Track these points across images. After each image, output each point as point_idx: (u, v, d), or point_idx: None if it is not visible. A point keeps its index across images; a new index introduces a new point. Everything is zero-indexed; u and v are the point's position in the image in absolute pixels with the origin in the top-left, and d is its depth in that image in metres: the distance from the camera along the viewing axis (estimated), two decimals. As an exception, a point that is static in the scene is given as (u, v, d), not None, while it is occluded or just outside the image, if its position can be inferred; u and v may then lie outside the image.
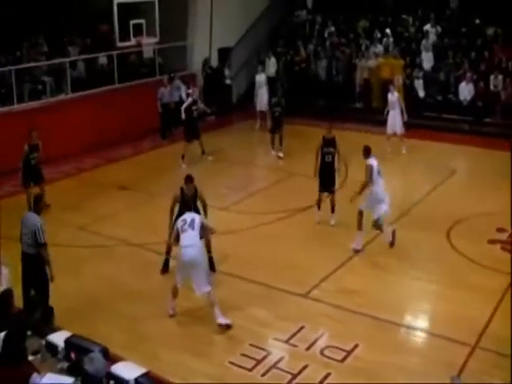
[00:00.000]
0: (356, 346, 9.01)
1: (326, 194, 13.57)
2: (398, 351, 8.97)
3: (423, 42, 22.64)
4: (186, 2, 23.48)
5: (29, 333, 6.81)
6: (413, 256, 11.98)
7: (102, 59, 21.66)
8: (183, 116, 17.84)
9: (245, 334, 9.37)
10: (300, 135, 19.35)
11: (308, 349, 9.01)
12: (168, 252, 11.25)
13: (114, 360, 7.05)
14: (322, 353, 8.91)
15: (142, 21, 20.87)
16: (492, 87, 20.75)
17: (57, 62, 20.19)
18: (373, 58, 22.66)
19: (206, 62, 23.88)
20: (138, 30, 20.80)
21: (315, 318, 9.79)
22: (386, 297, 10.42)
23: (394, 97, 18.46)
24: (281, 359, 8.80)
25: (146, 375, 6.74)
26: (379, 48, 23.16)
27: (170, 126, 20.86)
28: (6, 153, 15.46)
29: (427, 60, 22.24)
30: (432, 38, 22.97)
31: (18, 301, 8.11)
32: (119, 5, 19.92)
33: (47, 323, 8.32)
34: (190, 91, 18.80)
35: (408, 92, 21.60)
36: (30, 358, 6.69)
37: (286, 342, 9.20)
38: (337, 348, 8.98)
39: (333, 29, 25.37)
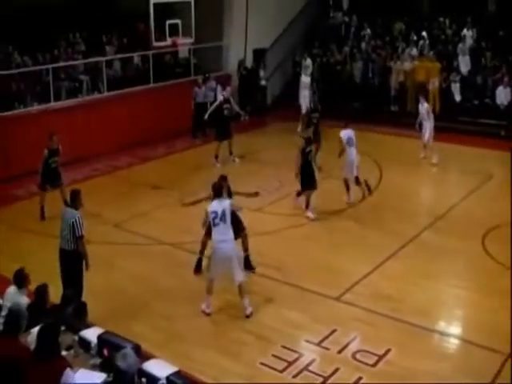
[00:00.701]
0: (388, 350, 8.93)
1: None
2: (430, 357, 8.86)
3: (460, 45, 22.40)
4: (222, 3, 23.53)
5: (62, 328, 6.84)
6: (447, 261, 11.82)
7: (138, 59, 21.81)
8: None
9: (277, 336, 9.34)
10: (334, 138, 19.22)
11: (340, 352, 8.95)
12: (202, 251, 11.27)
13: (145, 357, 7.06)
14: (353, 356, 8.84)
15: (178, 21, 20.97)
16: (530, 92, 20.48)
17: (93, 61, 20.38)
18: (408, 60, 22.48)
19: (241, 63, 23.90)
20: (173, 30, 20.91)
21: (347, 322, 9.73)
22: (418, 302, 10.31)
23: (423, 108, 17.88)
24: (312, 362, 8.76)
25: (177, 374, 6.72)
26: (415, 51, 22.98)
27: (201, 125, 20.89)
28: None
29: (464, 63, 22.00)
30: (469, 41, 22.73)
31: (53, 296, 8.15)
32: (155, 5, 20.05)
33: (80, 319, 8.34)
34: (225, 92, 18.81)
35: (444, 96, 21.44)
36: (63, 353, 6.72)
37: (318, 344, 9.15)
38: (369, 352, 8.91)
39: (369, 31, 25.25)
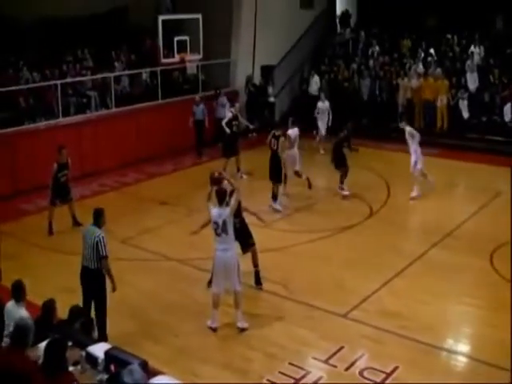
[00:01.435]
0: (396, 368, 8.85)
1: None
2: (438, 375, 8.78)
3: (468, 62, 22.42)
4: (230, 20, 23.65)
5: (69, 343, 6.82)
6: (455, 278, 11.76)
7: (146, 75, 21.91)
8: (227, 130, 17.79)
9: (284, 353, 9.29)
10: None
11: (347, 369, 8.89)
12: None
13: (153, 373, 7.03)
14: (361, 374, 8.78)
15: (186, 37, 21.07)
16: (538, 109, 20.45)
17: (101, 77, 20.49)
18: (415, 77, 22.51)
19: (249, 80, 23.98)
20: (181, 46, 21.00)
21: (355, 339, 9.67)
22: (426, 319, 10.24)
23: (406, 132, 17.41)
24: (319, 379, 8.70)
25: (184, 390, 6.71)
26: (421, 68, 23.02)
27: (203, 143, 20.95)
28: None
29: (472, 80, 22.00)
30: (477, 58, 22.76)
31: (60, 311, 8.14)
32: (164, 21, 20.18)
33: (87, 334, 8.33)
34: (233, 109, 18.84)
35: (452, 113, 21.46)
36: (71, 368, 6.69)
37: (325, 361, 9.09)
38: (376, 370, 8.84)
39: (377, 48, 25.33)
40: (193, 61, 21.65)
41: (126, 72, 21.43)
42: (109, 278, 9.26)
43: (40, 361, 6.33)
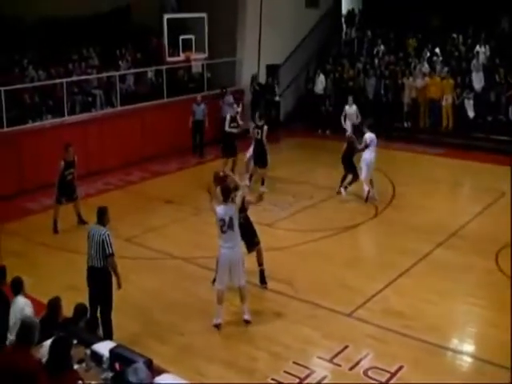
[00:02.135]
0: (400, 367, 8.86)
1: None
2: (443, 375, 8.78)
3: (473, 62, 22.38)
4: (235, 18, 23.65)
5: (74, 341, 6.83)
6: (460, 278, 11.75)
7: (151, 73, 21.93)
8: (232, 130, 17.63)
9: (288, 352, 9.30)
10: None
11: (351, 369, 8.89)
12: None
13: (157, 372, 7.04)
14: (365, 373, 8.78)
15: (192, 36, 21.07)
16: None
17: (107, 76, 20.52)
18: (420, 77, 22.48)
19: (254, 78, 23.96)
20: (187, 45, 21.00)
21: (360, 338, 9.67)
22: (431, 319, 10.24)
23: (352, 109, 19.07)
24: (324, 378, 8.70)
25: (188, 389, 6.72)
26: (427, 67, 23.00)
27: (200, 143, 20.92)
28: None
29: (478, 80, 21.94)
30: (482, 57, 22.72)
31: (66, 309, 8.16)
32: (169, 20, 20.18)
33: (92, 332, 8.35)
34: (239, 109, 18.77)
35: (457, 112, 21.43)
36: (75, 366, 6.72)
37: (330, 361, 9.10)
38: (380, 369, 8.84)
39: (382, 47, 25.31)
40: (198, 59, 21.65)
41: (132, 71, 21.45)
42: (115, 276, 9.26)
43: (45, 359, 6.35)
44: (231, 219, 9.78)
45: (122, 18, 22.44)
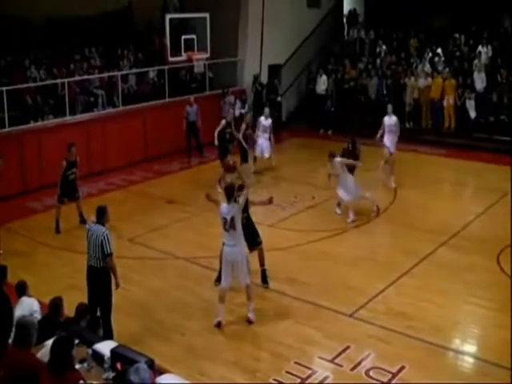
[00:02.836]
0: (402, 368, 8.85)
1: None
2: (445, 375, 8.77)
3: (475, 62, 22.36)
4: (237, 18, 23.66)
5: (76, 341, 6.84)
6: (462, 278, 11.71)
7: (153, 73, 21.94)
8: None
9: (290, 352, 9.29)
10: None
11: (353, 369, 8.88)
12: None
13: (159, 372, 7.05)
14: (367, 374, 8.77)
15: (194, 36, 21.04)
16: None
17: (109, 76, 20.53)
18: (422, 77, 22.47)
19: (256, 78, 23.96)
20: (189, 45, 20.98)
21: (361, 339, 9.66)
22: (433, 319, 10.23)
23: (391, 120, 17.02)
24: (325, 378, 8.69)
25: (190, 388, 6.72)
26: (428, 67, 22.98)
27: (197, 143, 20.79)
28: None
29: (480, 80, 21.91)
30: (484, 58, 22.70)
31: (67, 309, 8.17)
32: (171, 20, 20.17)
33: (94, 332, 8.35)
34: (243, 111, 18.72)
35: (459, 112, 21.43)
36: (77, 366, 6.71)
37: (331, 361, 9.09)
38: (382, 369, 8.83)
39: (384, 47, 25.30)
40: (200, 59, 21.60)
41: (134, 70, 21.47)
42: (113, 275, 9.27)
43: (46, 359, 6.34)
44: (233, 219, 9.79)
45: (124, 18, 22.45)
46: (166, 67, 21.41)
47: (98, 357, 7.12)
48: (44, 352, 6.71)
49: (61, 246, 13.44)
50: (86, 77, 19.96)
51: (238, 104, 21.81)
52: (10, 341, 7.54)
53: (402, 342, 9.58)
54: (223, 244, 10.03)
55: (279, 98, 24.34)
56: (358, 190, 14.61)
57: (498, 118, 21.25)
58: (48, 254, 13.14)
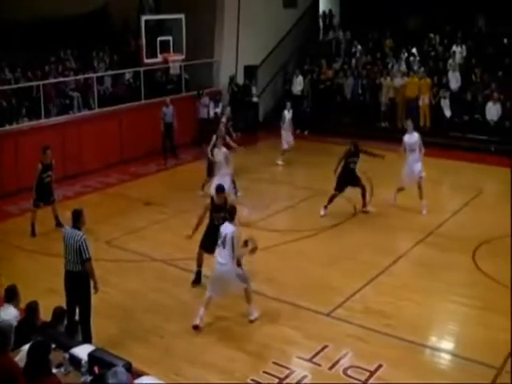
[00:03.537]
0: (379, 366, 8.89)
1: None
2: (423, 373, 8.83)
3: (450, 61, 22.54)
4: (213, 19, 23.64)
5: (53, 345, 6.79)
6: (439, 276, 11.79)
7: (129, 75, 21.86)
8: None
9: (268, 352, 9.31)
10: (324, 153, 19.32)
11: (331, 368, 8.91)
12: (199, 264, 11.40)
13: (137, 374, 7.03)
14: (345, 372, 8.80)
15: (169, 37, 20.99)
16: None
17: (84, 78, 20.41)
18: (398, 77, 22.60)
19: (232, 79, 23.97)
20: (164, 46, 20.92)
21: (339, 338, 9.70)
22: (411, 317, 10.30)
23: (413, 137, 15.17)
24: (303, 378, 8.71)
25: (168, 390, 6.70)
26: (404, 67, 23.13)
27: (171, 145, 20.68)
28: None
29: (454, 80, 22.10)
30: (459, 57, 22.89)
31: (44, 313, 8.11)
32: (147, 21, 20.11)
33: (71, 336, 8.31)
34: (218, 110, 18.69)
35: (434, 112, 21.58)
36: (54, 370, 6.67)
37: (310, 360, 9.11)
38: (360, 368, 8.87)
39: (359, 47, 25.41)
40: (176, 61, 21.55)
41: (109, 72, 21.37)
42: (92, 280, 9.20)
43: (23, 363, 6.30)
44: (226, 237, 9.86)
45: (100, 20, 22.32)
46: (141, 69, 21.32)
47: (75, 361, 7.08)
48: (21, 356, 6.65)
49: (36, 249, 13.34)
50: (61, 79, 19.83)
51: (212, 105, 21.80)
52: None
53: (379, 340, 9.63)
54: (215, 260, 10.08)
55: (255, 99, 24.36)
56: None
57: (473, 117, 21.43)
58: (24, 257, 13.04)
